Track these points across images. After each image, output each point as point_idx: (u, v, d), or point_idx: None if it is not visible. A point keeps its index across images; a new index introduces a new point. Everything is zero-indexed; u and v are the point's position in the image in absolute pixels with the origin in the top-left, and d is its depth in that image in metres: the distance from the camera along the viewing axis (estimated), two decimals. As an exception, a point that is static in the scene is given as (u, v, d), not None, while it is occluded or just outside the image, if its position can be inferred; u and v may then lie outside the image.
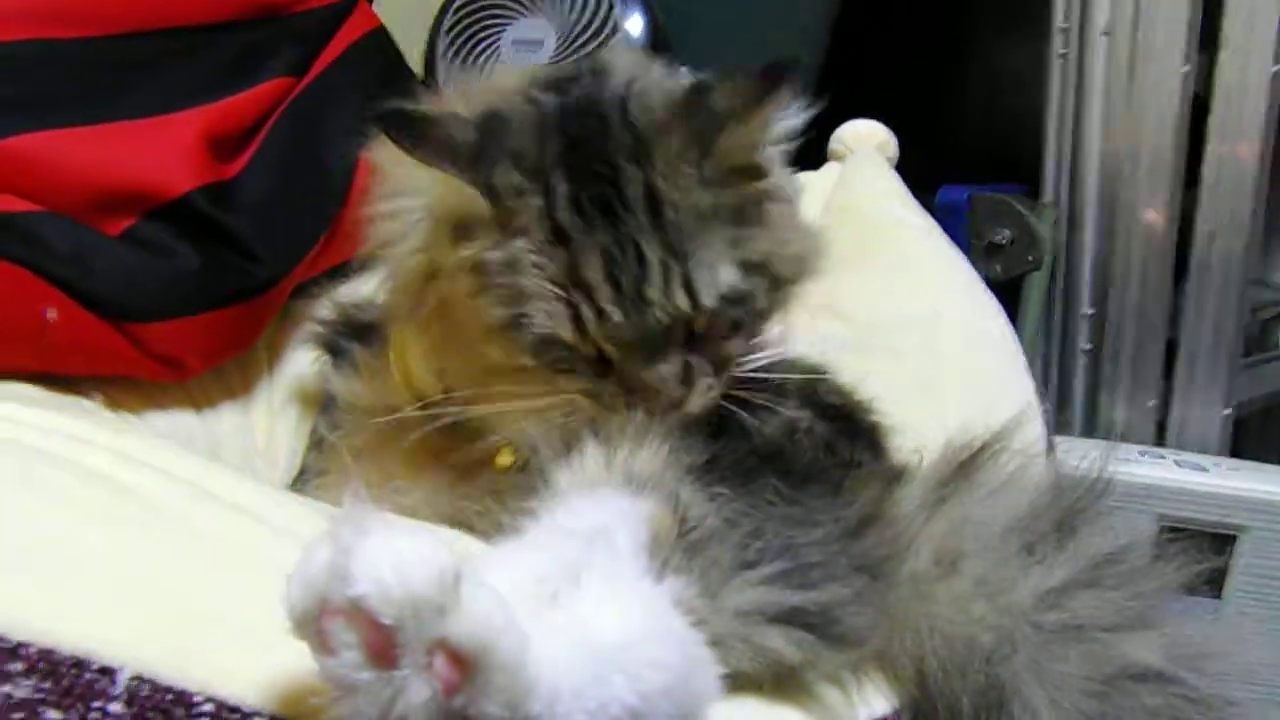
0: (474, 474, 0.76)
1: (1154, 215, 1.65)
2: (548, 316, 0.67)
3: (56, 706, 0.40)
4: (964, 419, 0.85)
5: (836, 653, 0.60)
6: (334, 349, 0.92)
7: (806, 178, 1.35)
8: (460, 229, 0.70)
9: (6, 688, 0.39)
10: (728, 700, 0.55)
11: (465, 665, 0.38)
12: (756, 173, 0.72)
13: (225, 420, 0.98)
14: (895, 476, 0.76)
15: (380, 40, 1.19)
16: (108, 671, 0.41)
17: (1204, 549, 1.25)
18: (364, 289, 1.01)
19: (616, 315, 0.67)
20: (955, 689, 0.62)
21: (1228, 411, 1.66)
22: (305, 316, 1.03)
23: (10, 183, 0.82)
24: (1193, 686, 0.62)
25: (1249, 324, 2.02)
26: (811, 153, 1.43)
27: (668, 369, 0.68)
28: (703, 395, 0.69)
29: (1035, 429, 0.96)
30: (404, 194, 0.74)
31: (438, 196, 0.71)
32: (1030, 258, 1.73)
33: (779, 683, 0.59)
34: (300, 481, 0.90)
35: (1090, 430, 1.75)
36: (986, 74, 1.99)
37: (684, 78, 0.78)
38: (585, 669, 0.43)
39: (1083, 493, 0.70)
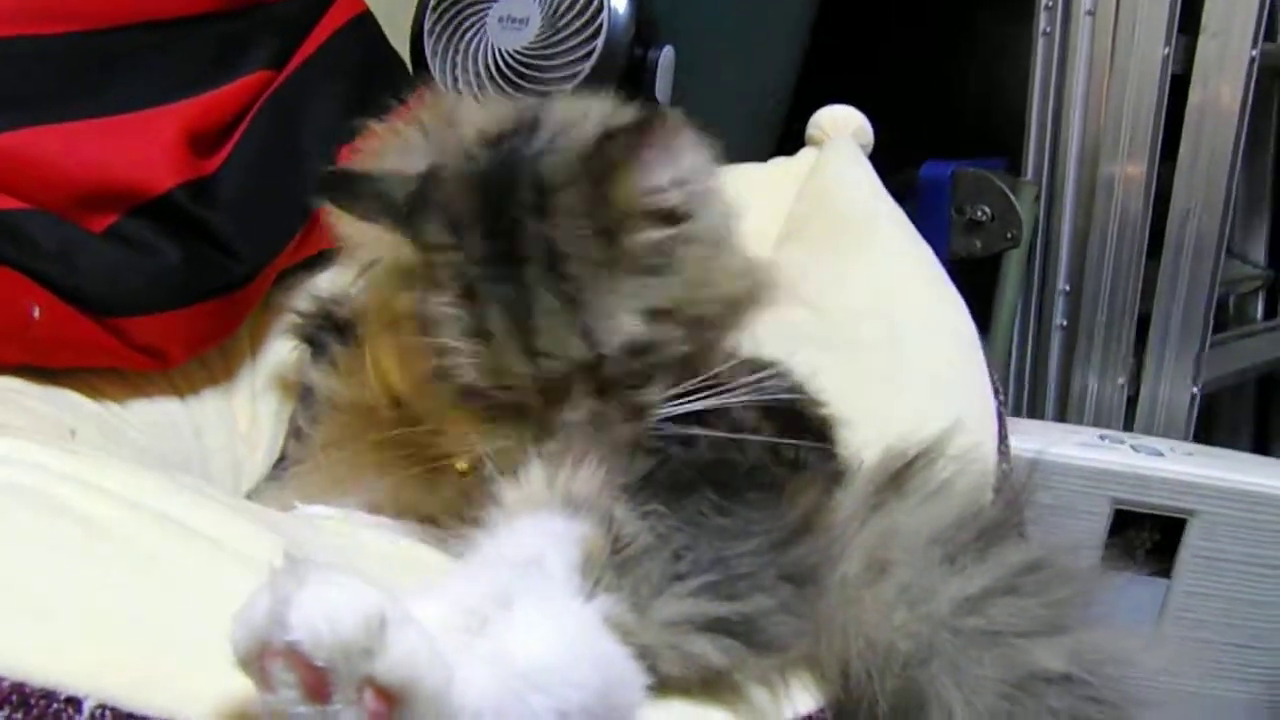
0: (439, 472, 0.80)
1: (1131, 194, 1.68)
2: (461, 368, 0.71)
3: (25, 734, 0.44)
4: (918, 413, 0.89)
5: (762, 658, 0.64)
6: (313, 342, 0.96)
7: (783, 163, 1.38)
8: (404, 277, 0.74)
9: None
10: (655, 702, 0.60)
11: (391, 699, 0.43)
12: (661, 218, 0.74)
13: (208, 405, 1.02)
14: (837, 476, 0.80)
15: (363, 26, 1.21)
16: (73, 701, 0.45)
17: (1155, 531, 1.32)
18: (342, 280, 1.05)
19: (514, 363, 0.70)
20: (875, 690, 0.66)
21: (1196, 389, 1.70)
22: (287, 304, 1.07)
23: (-2, 180, 0.86)
24: (1097, 689, 0.65)
25: (1226, 299, 2.06)
26: (793, 137, 1.47)
27: (574, 415, 0.71)
28: (621, 437, 0.72)
29: (984, 430, 1.00)
30: (359, 244, 0.78)
31: (385, 246, 0.75)
32: (1010, 235, 1.76)
33: (707, 684, 0.63)
34: (279, 469, 0.94)
35: (1063, 406, 1.79)
36: (972, 51, 2.00)
37: (620, 116, 0.79)
38: (506, 692, 0.48)
39: (1007, 504, 0.74)
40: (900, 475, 0.76)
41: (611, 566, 0.60)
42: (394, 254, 0.74)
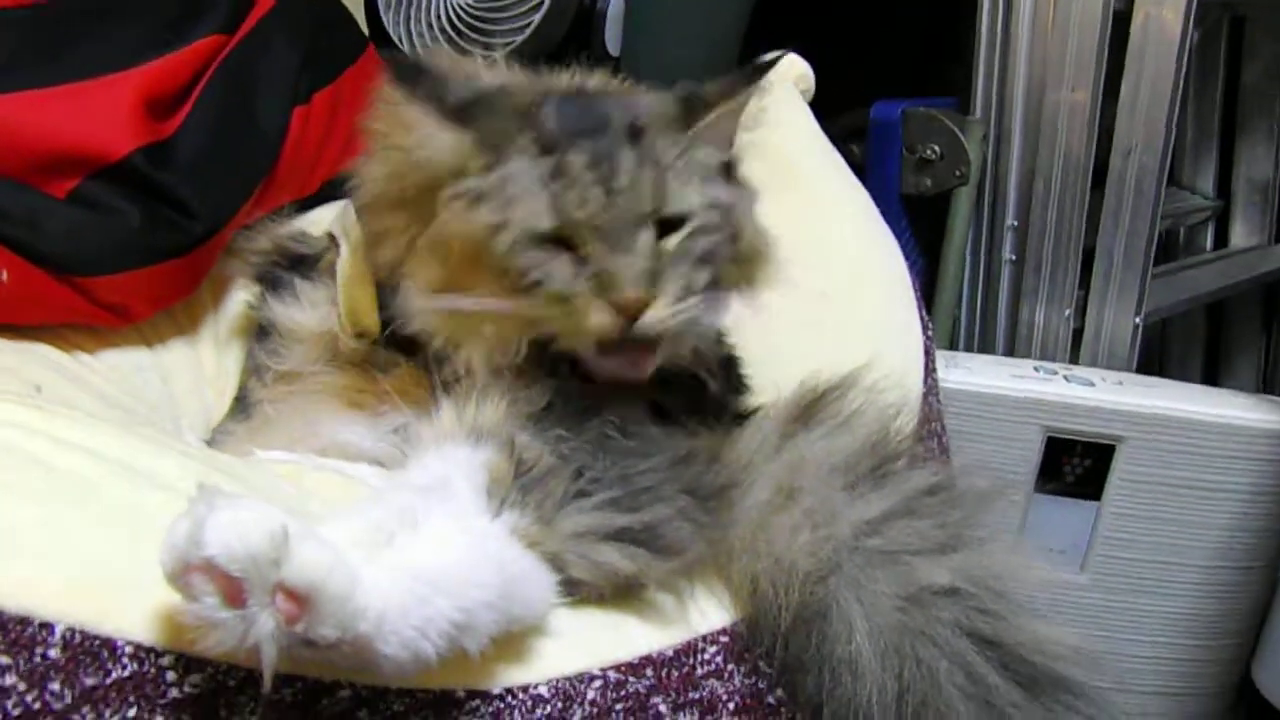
0: (388, 410, 0.86)
1: (1075, 130, 1.72)
2: (531, 210, 0.75)
3: (6, 654, 0.51)
4: (844, 353, 0.95)
5: (664, 562, 0.71)
6: (271, 280, 0.99)
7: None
8: (446, 163, 0.79)
9: None
10: (572, 611, 0.67)
11: (300, 600, 0.50)
12: (730, 147, 0.84)
13: (175, 353, 1.07)
14: (739, 411, 0.88)
15: (315, -14, 1.24)
16: (46, 625, 0.53)
17: (1087, 457, 1.39)
18: (298, 224, 1.09)
19: (593, 195, 0.75)
20: (781, 604, 0.72)
21: (1138, 320, 1.76)
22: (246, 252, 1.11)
23: (-40, 149, 0.90)
24: (982, 600, 0.72)
25: (1176, 231, 2.11)
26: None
27: (639, 261, 0.75)
28: (666, 308, 0.75)
29: (910, 367, 1.06)
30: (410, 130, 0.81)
31: (436, 143, 0.79)
32: (958, 172, 1.79)
33: (619, 595, 0.70)
34: (241, 406, 0.99)
35: (1012, 338, 1.85)
36: (921, -8, 2.03)
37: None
38: (409, 593, 0.55)
39: (906, 435, 0.81)
40: (811, 408, 0.83)
41: (516, 487, 0.66)
42: (441, 144, 0.78)
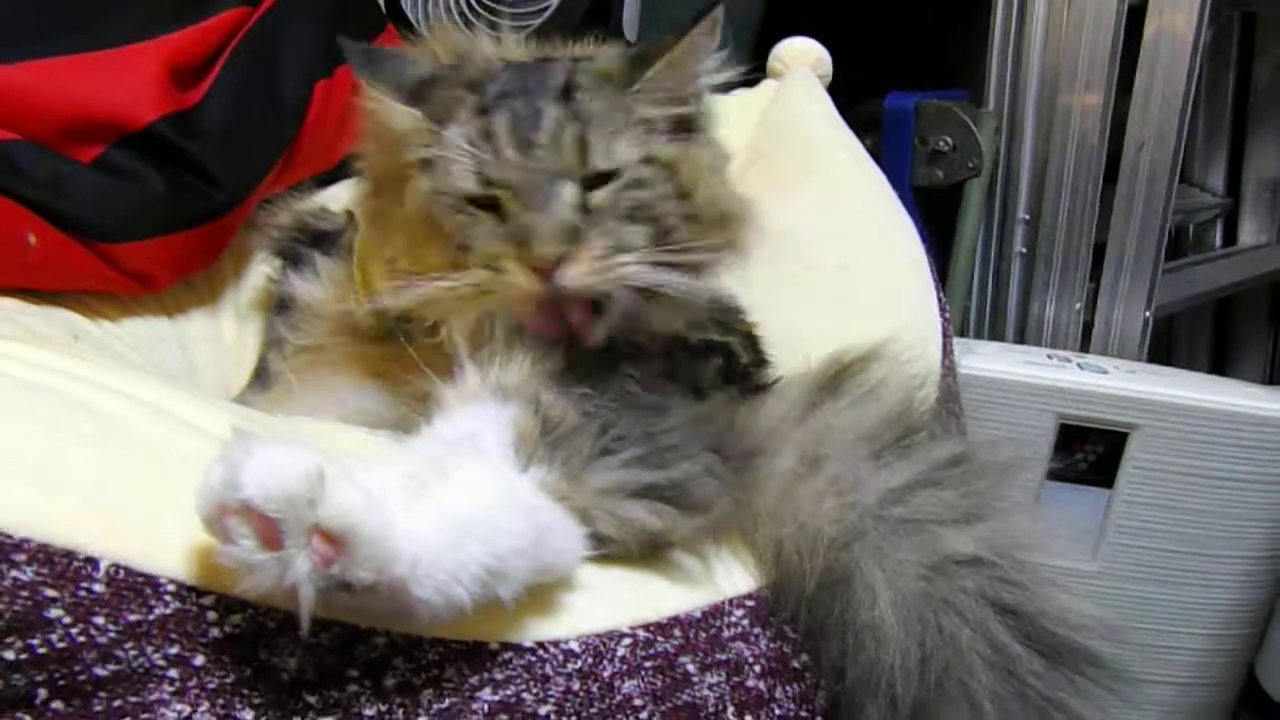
0: (407, 384, 0.86)
1: (1089, 125, 1.73)
2: (457, 174, 0.76)
3: (52, 586, 0.52)
4: (863, 330, 0.96)
5: (691, 519, 0.71)
6: (292, 255, 1.01)
7: (744, 95, 1.43)
8: (406, 138, 0.80)
9: (14, 573, 0.51)
10: (600, 570, 0.67)
11: (336, 542, 0.50)
12: (682, 103, 0.82)
13: (196, 323, 1.08)
14: (760, 383, 0.88)
15: (334, -38, 1.24)
16: (91, 560, 0.53)
17: (1099, 444, 1.39)
18: (319, 199, 1.10)
19: (509, 155, 0.75)
20: (806, 569, 0.72)
21: (1149, 313, 1.77)
22: (268, 227, 1.12)
23: (-11, 113, 0.90)
24: (1005, 570, 0.72)
25: (1186, 227, 2.12)
26: (759, 70, 1.51)
27: (551, 217, 0.74)
28: (586, 263, 0.75)
29: (925, 343, 1.06)
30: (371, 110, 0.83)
31: (397, 117, 0.81)
32: (971, 164, 1.80)
33: (646, 554, 0.70)
34: (258, 378, 1.00)
35: (1023, 330, 1.86)
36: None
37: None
38: (444, 538, 0.55)
39: (929, 407, 0.81)
40: (837, 377, 0.83)
41: (544, 444, 0.66)
42: (400, 120, 0.80)
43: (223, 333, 1.10)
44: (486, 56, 0.87)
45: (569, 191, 0.76)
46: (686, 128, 0.83)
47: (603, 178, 0.77)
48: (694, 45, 0.81)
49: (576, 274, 0.74)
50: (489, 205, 0.77)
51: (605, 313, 0.78)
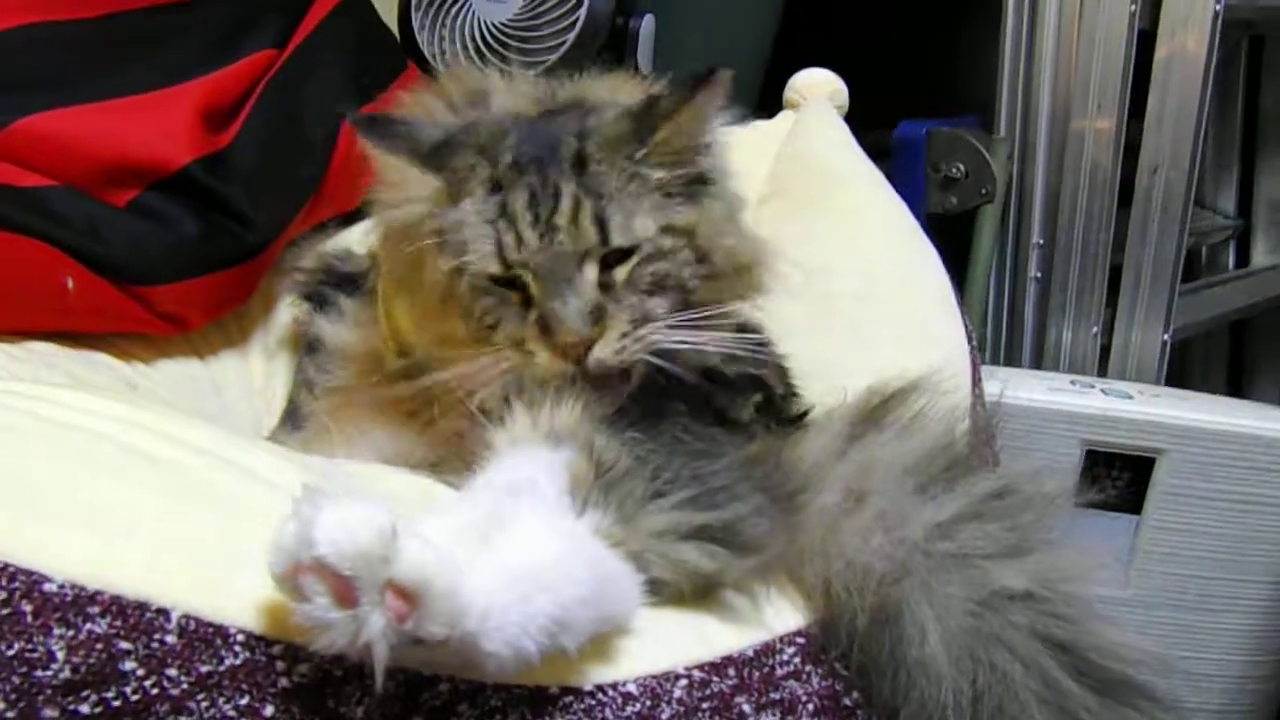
0: (439, 425, 0.86)
1: (1101, 149, 1.73)
2: (479, 254, 0.77)
3: (126, 638, 0.52)
4: (892, 360, 0.96)
5: (743, 559, 0.70)
6: (319, 298, 1.02)
7: (761, 126, 1.44)
8: (427, 212, 0.80)
9: (89, 625, 0.51)
10: (651, 612, 0.67)
11: (410, 598, 0.50)
12: (692, 162, 0.82)
13: (226, 364, 1.09)
14: (795, 418, 0.88)
15: (357, 4, 1.26)
16: (163, 612, 0.53)
17: (1126, 470, 1.39)
18: (344, 241, 1.11)
19: (530, 238, 0.76)
20: (855, 607, 0.72)
21: (1166, 336, 1.77)
22: (294, 270, 1.12)
23: (27, 159, 0.91)
24: (1055, 605, 0.72)
25: (1198, 249, 2.12)
26: (770, 101, 1.52)
27: (576, 302, 0.76)
28: (614, 343, 0.76)
29: (956, 373, 1.06)
30: (385, 177, 0.84)
31: (412, 182, 0.81)
32: (984, 190, 1.80)
33: (696, 596, 0.70)
34: (289, 419, 1.00)
35: (1039, 355, 1.86)
36: (945, 13, 2.05)
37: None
38: (511, 591, 0.55)
39: (973, 438, 0.81)
40: (878, 410, 0.83)
41: (597, 488, 0.66)
42: (420, 189, 0.80)
43: (252, 372, 1.10)
44: (495, 112, 0.87)
45: (591, 272, 0.77)
46: (700, 181, 0.84)
47: (623, 253, 0.78)
48: (701, 109, 0.81)
49: (604, 354, 0.76)
50: (509, 283, 0.78)
51: (635, 374, 0.79)
